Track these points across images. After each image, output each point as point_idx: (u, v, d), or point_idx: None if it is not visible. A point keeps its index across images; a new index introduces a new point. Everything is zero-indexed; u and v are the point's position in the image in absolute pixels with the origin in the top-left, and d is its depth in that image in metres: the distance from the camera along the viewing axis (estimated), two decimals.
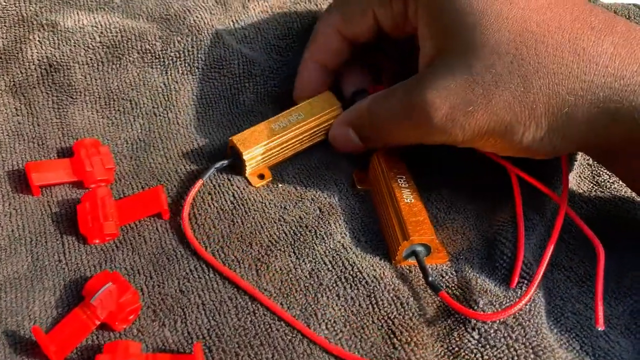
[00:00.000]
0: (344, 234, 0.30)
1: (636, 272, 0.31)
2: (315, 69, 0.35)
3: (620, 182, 0.35)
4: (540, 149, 0.28)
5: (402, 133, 0.30)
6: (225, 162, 0.31)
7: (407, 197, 0.30)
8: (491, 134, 0.28)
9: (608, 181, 0.35)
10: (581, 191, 0.35)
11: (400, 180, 0.31)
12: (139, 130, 0.33)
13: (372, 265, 0.29)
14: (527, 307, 0.28)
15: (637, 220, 0.34)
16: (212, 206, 0.30)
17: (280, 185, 0.32)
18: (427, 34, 0.29)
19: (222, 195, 0.31)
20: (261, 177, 0.32)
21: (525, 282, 0.29)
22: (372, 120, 0.31)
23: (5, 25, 0.34)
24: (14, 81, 0.33)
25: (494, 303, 0.28)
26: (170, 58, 0.35)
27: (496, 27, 0.26)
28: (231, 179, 0.32)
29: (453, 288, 0.29)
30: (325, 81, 0.35)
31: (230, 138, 0.32)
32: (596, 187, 0.35)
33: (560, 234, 0.30)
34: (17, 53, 0.33)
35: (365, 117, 0.32)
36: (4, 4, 0.34)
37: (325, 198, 0.32)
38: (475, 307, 0.27)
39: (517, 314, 0.27)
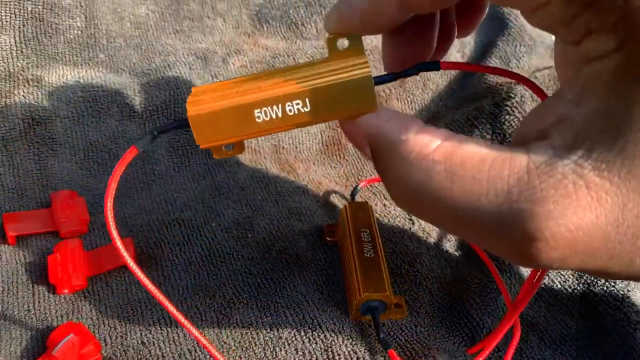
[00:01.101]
0: (308, 286, 0.31)
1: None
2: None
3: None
4: None
5: (463, 231, 0.21)
6: (170, 124, 0.23)
7: (367, 251, 0.31)
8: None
9: None
10: None
11: (364, 234, 0.32)
12: None
13: (332, 319, 0.30)
14: None
15: None
16: (180, 257, 0.31)
17: (249, 235, 0.33)
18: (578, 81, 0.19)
19: (190, 246, 0.32)
20: (228, 148, 0.24)
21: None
22: (417, 178, 0.20)
23: None
24: None
25: None
26: (148, 111, 0.37)
27: None
28: (201, 229, 0.33)
29: (412, 343, 0.29)
30: (394, 19, 0.22)
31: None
32: None
33: (539, 291, 0.31)
34: (2, 107, 0.35)
35: (409, 165, 0.20)
36: None
37: (293, 250, 0.33)
38: None
39: None
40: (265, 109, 0.22)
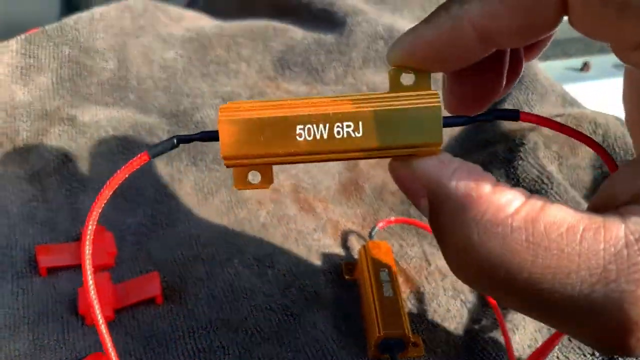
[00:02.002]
0: (327, 323, 0.32)
1: None
2: (469, 33, 0.19)
3: None
4: None
5: (541, 313, 0.18)
6: (194, 135, 0.21)
7: (387, 290, 0.32)
8: None
9: None
10: None
11: (383, 274, 0.33)
12: (142, 217, 0.36)
13: (351, 356, 0.30)
14: None
15: None
16: (203, 292, 0.32)
17: (270, 271, 0.34)
18: None
19: (213, 282, 0.33)
20: (255, 178, 0.21)
21: None
22: (488, 247, 0.17)
23: (30, 119, 0.37)
24: (32, 170, 0.36)
25: None
26: (175, 151, 0.38)
27: None
28: (224, 265, 0.34)
29: None
30: (475, 54, 0.20)
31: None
32: None
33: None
34: (38, 144, 0.37)
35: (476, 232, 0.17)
36: (31, 99, 0.38)
37: (313, 287, 0.34)
38: None
39: None
40: (309, 126, 0.19)
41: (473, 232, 0.17)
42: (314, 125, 0.19)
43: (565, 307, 0.16)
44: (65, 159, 0.37)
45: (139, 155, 0.21)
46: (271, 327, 0.31)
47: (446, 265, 0.36)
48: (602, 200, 0.18)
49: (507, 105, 0.45)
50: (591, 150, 0.22)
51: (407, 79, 0.20)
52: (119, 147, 0.38)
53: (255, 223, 0.37)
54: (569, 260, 0.16)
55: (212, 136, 0.20)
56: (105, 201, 0.21)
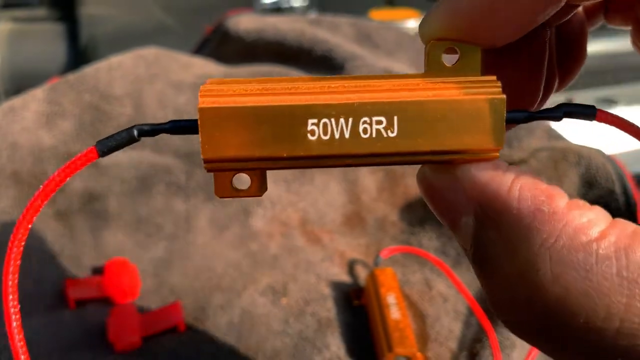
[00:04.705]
0: (340, 346, 0.34)
1: None
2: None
3: None
4: None
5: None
6: (152, 124, 0.17)
7: (394, 313, 0.34)
8: None
9: None
10: None
11: (390, 298, 0.35)
12: (162, 251, 0.38)
13: None
14: None
15: None
16: (222, 319, 0.35)
17: (283, 299, 0.37)
18: None
19: (231, 310, 0.35)
20: (241, 182, 0.16)
21: None
22: (565, 283, 0.13)
23: (56, 162, 0.40)
24: (58, 209, 0.39)
25: None
26: (191, 188, 0.41)
27: None
28: (240, 293, 0.36)
29: None
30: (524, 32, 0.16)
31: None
32: None
33: None
34: (64, 185, 0.39)
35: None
36: (56, 143, 0.41)
37: (324, 312, 0.36)
38: None
39: None
40: (326, 121, 0.14)
41: (543, 260, 0.13)
42: (333, 120, 0.14)
43: None
44: (89, 198, 0.39)
45: (86, 151, 0.16)
46: (288, 351, 0.33)
47: (447, 289, 0.39)
48: None
49: None
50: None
51: (450, 58, 0.16)
52: (139, 186, 0.40)
53: (267, 254, 0.40)
54: None
55: (189, 127, 0.15)
56: (43, 204, 0.17)
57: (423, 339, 0.35)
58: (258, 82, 0.15)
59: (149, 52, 0.49)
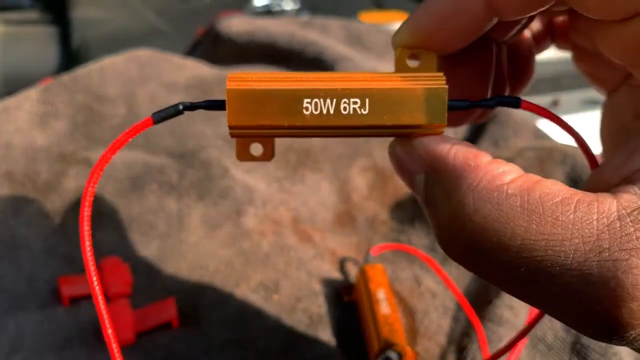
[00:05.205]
0: (330, 341, 0.35)
1: None
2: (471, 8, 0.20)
3: None
4: None
5: (534, 288, 0.17)
6: (200, 102, 0.21)
7: (384, 308, 0.35)
8: None
9: None
10: None
11: (380, 293, 0.36)
12: (155, 250, 0.39)
13: None
14: None
15: None
16: (215, 316, 0.35)
17: (275, 296, 0.37)
18: None
19: (224, 306, 0.36)
20: (257, 150, 0.22)
21: None
22: (483, 213, 0.17)
23: (49, 162, 0.40)
24: (52, 208, 0.39)
25: None
26: (184, 187, 0.42)
27: None
28: (232, 291, 0.37)
29: None
30: (475, 31, 0.21)
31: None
32: None
33: (534, 342, 0.34)
34: (57, 185, 0.40)
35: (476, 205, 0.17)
36: (50, 144, 0.41)
37: (315, 309, 0.37)
38: None
39: None
40: (316, 100, 0.19)
41: (468, 198, 0.17)
42: (321, 100, 0.20)
43: (557, 279, 0.16)
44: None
45: (143, 120, 0.21)
46: (280, 346, 0.34)
47: (435, 285, 0.40)
48: (592, 184, 0.19)
49: (487, 139, 0.49)
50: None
51: (413, 62, 0.21)
52: (132, 186, 0.41)
53: (259, 252, 0.40)
54: (562, 227, 0.16)
55: (219, 105, 0.20)
56: (107, 163, 0.22)
57: (412, 333, 0.36)
58: (267, 74, 0.20)
59: (142, 53, 0.50)
